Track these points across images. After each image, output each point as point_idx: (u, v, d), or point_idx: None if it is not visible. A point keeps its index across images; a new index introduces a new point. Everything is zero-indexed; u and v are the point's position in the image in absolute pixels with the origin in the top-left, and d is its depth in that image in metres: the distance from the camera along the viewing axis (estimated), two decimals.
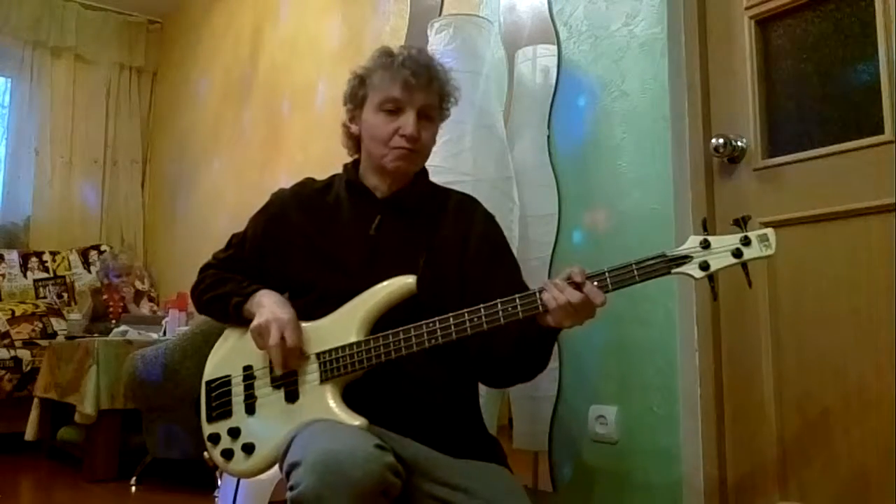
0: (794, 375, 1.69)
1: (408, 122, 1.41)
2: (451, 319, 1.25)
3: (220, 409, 1.40)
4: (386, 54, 1.45)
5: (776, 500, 1.69)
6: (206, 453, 1.43)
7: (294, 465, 1.15)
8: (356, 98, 1.47)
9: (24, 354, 4.03)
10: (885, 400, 1.54)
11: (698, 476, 1.76)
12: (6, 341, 4.11)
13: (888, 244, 1.55)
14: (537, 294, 1.23)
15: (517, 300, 1.24)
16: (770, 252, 1.18)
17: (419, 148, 1.44)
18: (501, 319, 1.23)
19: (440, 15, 2.45)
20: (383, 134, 1.42)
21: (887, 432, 1.52)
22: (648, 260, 1.21)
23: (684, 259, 1.20)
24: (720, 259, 1.19)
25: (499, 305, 1.24)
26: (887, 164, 1.56)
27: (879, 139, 1.59)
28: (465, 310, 1.25)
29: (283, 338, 1.32)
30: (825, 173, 1.68)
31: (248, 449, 1.35)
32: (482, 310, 1.24)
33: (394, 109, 1.42)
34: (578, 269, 1.22)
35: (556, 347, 2.02)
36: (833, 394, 1.62)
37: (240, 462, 1.36)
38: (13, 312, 4.35)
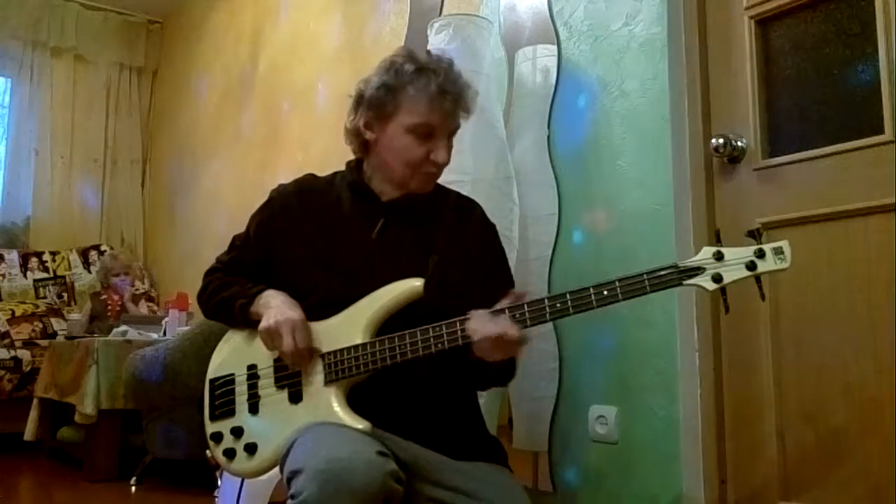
0: (795, 375, 1.69)
1: (441, 149, 1.38)
2: (459, 324, 1.25)
3: (224, 407, 1.40)
4: (419, 70, 1.37)
5: (777, 501, 1.69)
6: (208, 452, 1.42)
7: (295, 473, 1.14)
8: (381, 109, 1.39)
9: (24, 354, 4.03)
10: (886, 400, 1.54)
11: (698, 476, 1.76)
12: (6, 341, 4.11)
13: (888, 244, 1.55)
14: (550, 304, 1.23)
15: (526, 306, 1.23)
16: (785, 265, 1.16)
17: (443, 169, 1.44)
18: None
19: (440, 15, 2.45)
20: (414, 158, 1.39)
21: (889, 432, 1.52)
22: (660, 270, 1.20)
23: (697, 270, 1.19)
24: (734, 271, 1.18)
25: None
26: (887, 164, 1.56)
27: (879, 139, 1.59)
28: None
29: (294, 339, 1.31)
30: (825, 173, 1.68)
31: (251, 449, 1.35)
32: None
33: (426, 134, 1.38)
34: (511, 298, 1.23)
35: (556, 348, 2.04)
36: (834, 394, 1.62)
37: (242, 462, 1.36)
38: (13, 312, 4.35)
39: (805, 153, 1.72)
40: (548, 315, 1.22)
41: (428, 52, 1.43)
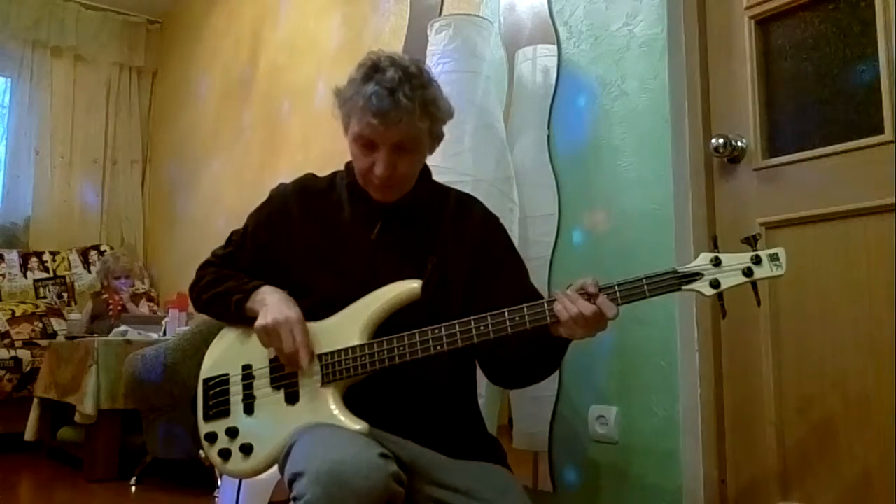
0: (795, 375, 1.69)
1: (379, 162, 1.33)
2: (458, 327, 1.25)
3: (218, 407, 1.39)
4: (362, 79, 1.33)
5: (776, 500, 1.69)
6: (201, 452, 1.42)
7: (297, 475, 1.14)
8: (341, 117, 1.40)
9: (24, 354, 4.03)
10: (885, 400, 1.53)
11: (698, 476, 1.76)
12: (6, 341, 4.11)
13: (888, 244, 1.55)
14: (545, 305, 1.22)
15: (525, 310, 1.22)
16: (781, 272, 1.17)
17: (396, 182, 1.38)
18: (509, 329, 1.22)
19: (440, 15, 2.45)
20: (360, 167, 1.38)
21: (888, 432, 1.52)
22: (659, 275, 1.20)
23: (695, 276, 1.20)
24: (731, 277, 1.19)
25: (506, 315, 1.23)
26: (887, 164, 1.56)
27: (879, 139, 1.59)
28: (472, 317, 1.24)
29: (293, 339, 1.31)
30: (825, 173, 1.68)
31: (246, 449, 1.34)
32: (489, 318, 1.23)
33: (367, 144, 1.35)
34: (592, 281, 1.21)
35: None
36: (833, 394, 1.62)
37: (237, 462, 1.35)
38: (13, 312, 4.35)
39: (805, 153, 1.72)
40: (548, 317, 1.22)
41: (390, 57, 1.36)
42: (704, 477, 1.76)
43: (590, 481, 1.98)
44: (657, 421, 1.85)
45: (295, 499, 1.12)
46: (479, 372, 1.49)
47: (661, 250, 1.85)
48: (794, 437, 1.68)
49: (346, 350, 1.31)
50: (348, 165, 1.51)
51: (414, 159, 1.40)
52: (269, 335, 1.33)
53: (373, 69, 1.34)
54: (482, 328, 1.23)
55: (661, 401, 1.84)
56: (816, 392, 1.65)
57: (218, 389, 1.41)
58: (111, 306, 4.12)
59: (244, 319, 1.40)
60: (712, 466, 1.78)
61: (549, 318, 1.22)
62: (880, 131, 1.60)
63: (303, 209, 1.47)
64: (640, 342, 1.89)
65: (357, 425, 1.25)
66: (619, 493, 1.91)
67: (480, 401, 1.53)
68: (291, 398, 1.34)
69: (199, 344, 2.74)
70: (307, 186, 1.52)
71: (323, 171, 1.57)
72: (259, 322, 1.34)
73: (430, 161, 1.50)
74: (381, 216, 1.43)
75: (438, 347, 1.25)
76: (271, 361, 1.37)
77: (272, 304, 1.35)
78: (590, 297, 1.20)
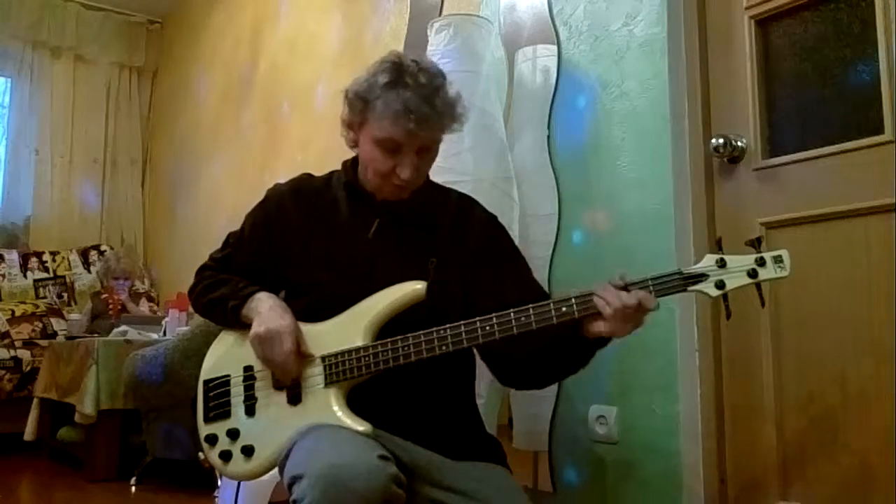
0: (794, 375, 1.69)
1: (406, 165, 1.34)
2: (463, 327, 1.25)
3: (218, 409, 1.39)
4: (390, 83, 1.32)
5: (776, 500, 1.69)
6: (201, 454, 1.41)
7: (296, 478, 1.14)
8: (356, 116, 1.38)
9: (24, 354, 4.03)
10: (885, 400, 1.53)
11: (698, 476, 1.76)
12: (6, 341, 4.11)
13: (888, 244, 1.55)
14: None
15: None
16: (785, 273, 1.19)
17: (415, 183, 1.40)
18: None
19: (440, 15, 2.45)
20: (381, 169, 1.36)
21: (888, 433, 1.52)
22: (665, 276, 1.21)
23: (700, 277, 1.21)
24: (736, 278, 1.20)
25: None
26: (887, 164, 1.56)
27: (879, 139, 1.59)
28: (478, 318, 1.24)
29: (284, 349, 1.31)
30: (825, 173, 1.68)
31: (248, 451, 1.33)
32: (494, 318, 1.23)
33: (392, 148, 1.34)
34: (619, 276, 1.21)
35: None
36: (833, 394, 1.62)
37: (238, 464, 1.34)
38: (13, 312, 4.35)
39: (805, 153, 1.72)
40: (553, 318, 1.22)
41: (415, 61, 1.36)
42: (704, 477, 1.76)
43: (590, 481, 1.98)
44: (657, 421, 1.85)
45: (295, 501, 1.12)
46: (478, 372, 1.49)
47: (660, 250, 1.85)
48: (794, 437, 1.68)
49: (349, 351, 1.30)
50: (345, 164, 1.51)
51: (432, 159, 1.42)
52: (262, 344, 1.33)
53: (398, 72, 1.33)
54: (488, 328, 1.23)
55: (661, 401, 1.84)
56: (816, 392, 1.65)
57: (219, 391, 1.40)
58: (111, 306, 4.12)
59: (241, 325, 1.40)
60: (712, 466, 1.78)
61: (577, 314, 1.21)
62: (880, 131, 1.59)
63: (299, 209, 1.47)
64: (640, 342, 1.88)
65: (361, 426, 1.25)
66: (620, 493, 1.91)
67: (480, 401, 1.53)
68: (294, 399, 1.33)
69: (199, 344, 2.74)
70: (303, 186, 1.52)
71: (322, 171, 1.57)
72: (253, 331, 1.34)
73: None
74: (378, 215, 1.43)
75: (444, 348, 1.25)
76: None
77: (265, 311, 1.35)
78: (626, 290, 1.20)
